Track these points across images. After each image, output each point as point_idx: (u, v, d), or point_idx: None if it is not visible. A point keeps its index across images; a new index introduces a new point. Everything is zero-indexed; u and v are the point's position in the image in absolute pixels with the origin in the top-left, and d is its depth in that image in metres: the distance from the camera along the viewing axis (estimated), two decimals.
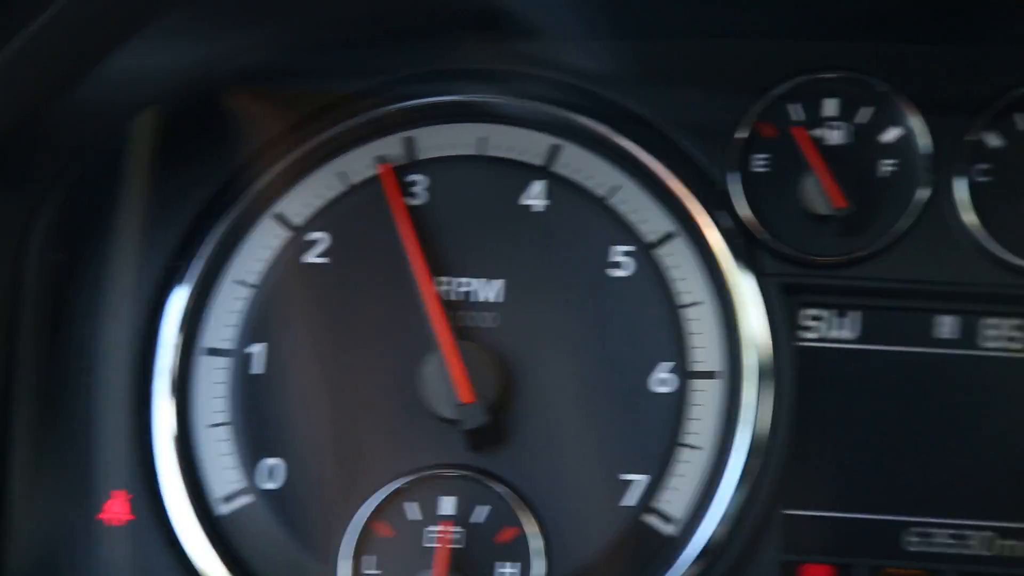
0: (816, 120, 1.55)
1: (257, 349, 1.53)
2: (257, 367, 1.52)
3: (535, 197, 1.54)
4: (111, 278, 1.54)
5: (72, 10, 1.26)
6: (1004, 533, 1.46)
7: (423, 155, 1.57)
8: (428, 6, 1.55)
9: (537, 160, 1.55)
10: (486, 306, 1.52)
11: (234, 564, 1.49)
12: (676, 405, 1.48)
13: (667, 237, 1.53)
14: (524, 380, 1.50)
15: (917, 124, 1.52)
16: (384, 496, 1.46)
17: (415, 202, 1.55)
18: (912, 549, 1.48)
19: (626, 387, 1.49)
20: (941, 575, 1.48)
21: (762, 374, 1.49)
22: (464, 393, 1.45)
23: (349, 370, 1.51)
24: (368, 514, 1.46)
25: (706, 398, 1.49)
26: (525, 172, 1.55)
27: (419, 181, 1.56)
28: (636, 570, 1.47)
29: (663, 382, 1.49)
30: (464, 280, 1.53)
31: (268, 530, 1.49)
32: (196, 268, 1.55)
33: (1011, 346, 1.51)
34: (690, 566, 1.47)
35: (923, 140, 1.52)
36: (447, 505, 1.47)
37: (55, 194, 1.53)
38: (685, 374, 1.49)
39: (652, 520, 1.47)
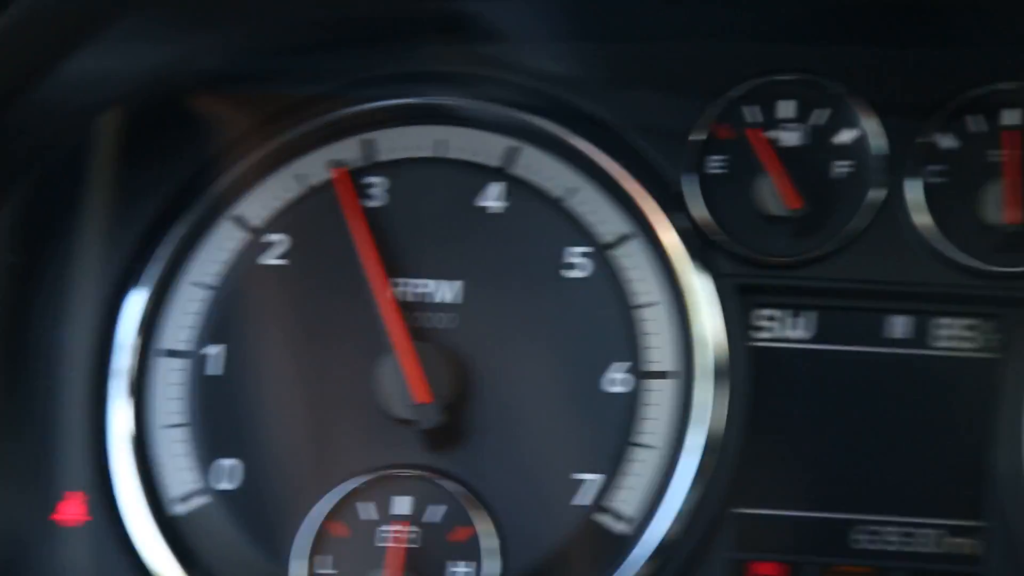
0: (772, 122, 1.56)
1: (215, 351, 1.54)
2: (215, 368, 1.54)
3: (493, 199, 1.56)
4: (70, 280, 1.55)
5: (27, 14, 1.26)
6: (953, 531, 1.48)
7: (382, 157, 1.56)
8: (390, 11, 1.55)
9: (495, 162, 1.55)
10: (444, 307, 1.54)
11: (190, 564, 1.50)
12: (630, 405, 1.50)
13: (624, 238, 1.54)
14: (481, 380, 1.52)
15: (872, 126, 1.53)
16: (340, 496, 1.46)
17: (374, 204, 1.57)
18: (861, 547, 1.49)
19: (580, 387, 1.50)
20: (890, 573, 1.47)
21: (717, 374, 1.50)
22: (419, 393, 1.46)
23: (307, 371, 1.52)
24: (324, 514, 1.46)
25: (660, 398, 1.50)
26: (483, 174, 1.57)
27: (378, 183, 1.57)
28: (589, 568, 1.48)
29: (617, 382, 1.50)
30: (423, 281, 1.54)
31: (225, 530, 1.50)
32: (155, 270, 1.56)
33: (962, 346, 1.52)
34: (643, 565, 1.48)
35: (878, 142, 1.53)
36: (402, 505, 1.48)
37: (14, 195, 1.53)
38: (639, 374, 1.51)
39: (605, 519, 1.48)
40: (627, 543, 1.49)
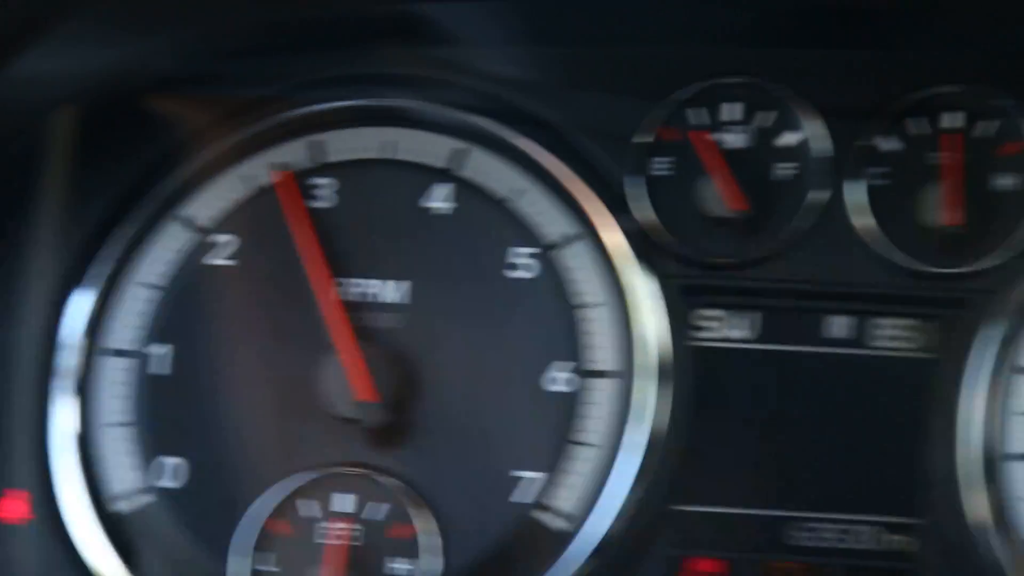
0: (717, 124, 1.57)
1: (161, 350, 1.56)
2: (161, 368, 1.56)
3: (441, 200, 1.57)
4: (17, 279, 1.57)
5: None
6: (889, 528, 1.50)
7: (331, 159, 1.58)
8: (342, 14, 1.57)
9: (441, 163, 1.57)
10: (391, 307, 1.56)
11: (132, 562, 1.52)
12: (572, 404, 1.51)
13: (569, 239, 1.56)
14: (425, 379, 1.54)
15: (816, 128, 1.55)
16: (282, 494, 1.48)
17: (322, 205, 1.58)
18: (798, 544, 1.51)
19: (523, 386, 1.52)
20: (826, 569, 1.49)
21: (659, 373, 1.52)
22: (362, 392, 1.47)
23: (253, 371, 1.54)
24: (266, 512, 1.46)
25: (602, 397, 1.52)
26: (431, 175, 1.59)
27: (326, 184, 1.59)
28: (530, 565, 1.50)
29: (559, 381, 1.52)
30: (369, 282, 1.56)
31: (168, 528, 1.52)
32: (102, 269, 1.58)
33: (901, 346, 1.53)
34: (583, 562, 1.50)
35: (822, 144, 1.55)
36: (345, 503, 1.50)
37: None
38: (582, 373, 1.52)
39: (546, 517, 1.50)
40: (567, 540, 1.51)
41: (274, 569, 1.49)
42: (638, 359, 1.51)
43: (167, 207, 1.59)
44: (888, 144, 1.55)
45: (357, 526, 1.50)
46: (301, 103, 1.61)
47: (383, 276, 1.56)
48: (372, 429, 1.51)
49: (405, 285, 1.56)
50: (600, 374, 1.52)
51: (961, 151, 1.53)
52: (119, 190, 1.59)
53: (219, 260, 1.57)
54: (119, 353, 1.56)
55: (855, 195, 1.53)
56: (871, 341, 1.52)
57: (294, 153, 1.59)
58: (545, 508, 1.50)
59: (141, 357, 1.56)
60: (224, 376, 1.54)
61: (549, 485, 1.50)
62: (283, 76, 1.61)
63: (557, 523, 1.49)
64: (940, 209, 1.52)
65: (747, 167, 1.55)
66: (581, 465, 1.51)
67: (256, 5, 1.54)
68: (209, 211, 1.59)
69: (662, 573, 1.52)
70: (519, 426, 1.52)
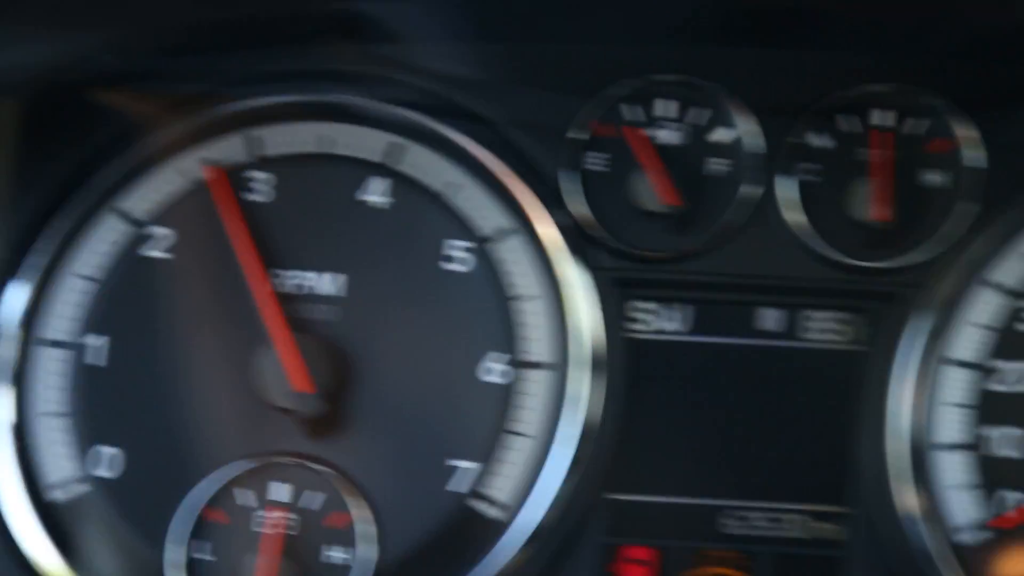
0: (652, 121, 1.59)
1: (98, 341, 1.57)
2: (97, 359, 1.56)
3: (377, 194, 1.59)
4: None
5: None
6: (818, 516, 1.52)
7: (269, 153, 1.59)
8: (282, 11, 1.58)
9: (378, 158, 1.58)
10: (327, 299, 1.57)
11: (69, 552, 1.52)
12: (506, 394, 1.53)
13: (505, 233, 1.57)
14: (362, 370, 1.55)
15: (750, 125, 1.57)
16: (219, 483, 1.48)
17: (259, 199, 1.59)
18: (730, 532, 1.53)
19: (458, 377, 1.54)
20: (757, 556, 1.51)
21: (593, 365, 1.54)
22: (297, 382, 1.48)
23: (190, 362, 1.54)
24: (202, 501, 1.47)
25: (537, 388, 1.54)
26: (367, 170, 1.60)
27: (264, 178, 1.59)
28: (464, 554, 1.52)
29: (494, 372, 1.54)
30: (307, 274, 1.57)
31: (104, 518, 1.53)
32: (39, 261, 1.58)
33: (831, 338, 1.56)
34: (518, 550, 1.51)
35: (754, 141, 1.57)
36: (281, 492, 1.50)
37: None
38: (517, 365, 1.53)
39: (480, 506, 1.51)
40: (502, 529, 1.52)
41: (210, 557, 1.49)
42: (572, 351, 1.53)
43: (104, 199, 1.60)
44: (820, 141, 1.57)
45: (293, 515, 1.50)
46: (239, 98, 1.60)
47: (320, 268, 1.57)
48: (308, 419, 1.52)
49: (342, 277, 1.57)
50: (535, 365, 1.53)
51: (891, 148, 1.56)
52: (56, 182, 1.60)
53: (156, 253, 1.58)
54: (55, 344, 1.57)
55: (787, 191, 1.55)
56: (802, 334, 1.55)
57: (232, 147, 1.60)
58: (480, 497, 1.51)
59: (77, 348, 1.57)
60: (160, 367, 1.55)
61: (484, 475, 1.52)
62: (222, 72, 1.61)
63: (492, 512, 1.51)
64: (870, 205, 1.55)
65: (681, 163, 1.57)
66: (516, 455, 1.53)
67: (196, 3, 1.54)
68: (146, 204, 1.59)
69: (596, 561, 1.53)
70: (455, 416, 1.53)
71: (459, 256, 1.56)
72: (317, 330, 1.55)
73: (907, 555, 1.49)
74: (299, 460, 1.50)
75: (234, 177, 1.59)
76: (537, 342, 1.54)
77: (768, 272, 1.56)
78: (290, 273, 1.57)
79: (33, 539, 1.53)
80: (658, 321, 1.56)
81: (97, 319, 1.56)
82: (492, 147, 1.59)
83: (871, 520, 1.51)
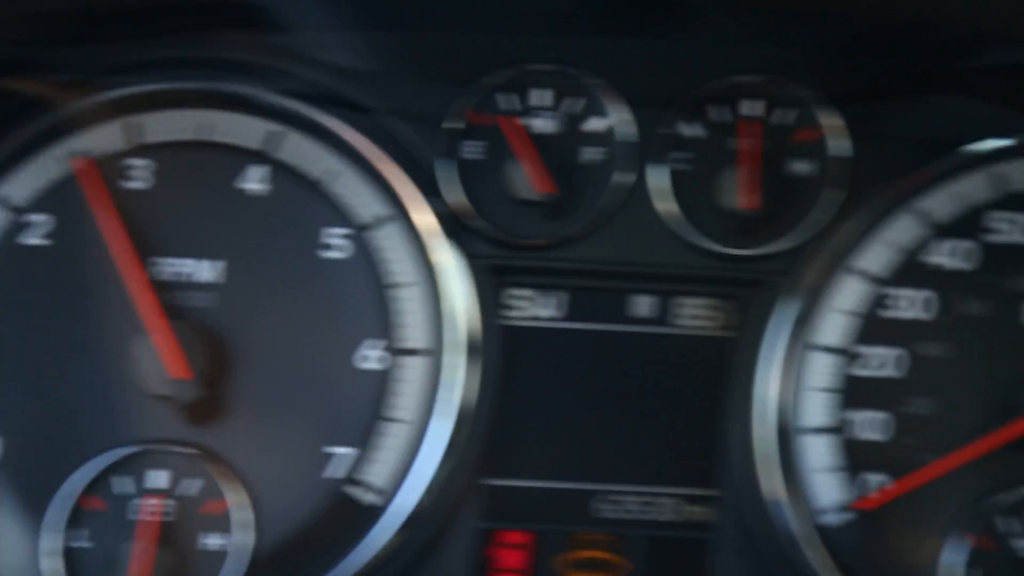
0: (527, 110, 1.61)
1: None
2: None
3: (256, 181, 1.60)
4: None
5: None
6: (689, 500, 1.56)
7: (149, 140, 1.59)
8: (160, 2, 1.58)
9: (257, 145, 1.59)
10: (207, 287, 1.58)
11: None
12: (382, 381, 1.54)
13: (382, 221, 1.59)
14: (240, 357, 1.56)
15: (623, 114, 1.60)
16: (96, 471, 1.49)
17: (138, 186, 1.59)
18: (603, 516, 1.56)
19: (334, 364, 1.56)
20: (630, 539, 1.54)
21: (469, 351, 1.56)
22: (174, 369, 1.48)
23: (68, 350, 1.55)
24: (80, 489, 1.47)
25: (413, 374, 1.56)
26: (246, 157, 1.61)
27: (143, 166, 1.60)
28: (340, 539, 1.54)
29: (370, 359, 1.55)
30: (185, 261, 1.57)
31: None
32: None
33: (701, 324, 1.59)
34: (393, 534, 1.53)
35: (628, 130, 1.60)
36: (158, 479, 1.51)
37: None
38: (394, 351, 1.54)
39: (357, 491, 1.54)
40: (378, 514, 1.54)
41: (87, 545, 1.49)
42: (448, 337, 1.55)
43: None
44: (691, 130, 1.60)
45: (170, 502, 1.50)
46: (118, 86, 1.60)
47: (198, 256, 1.58)
48: (187, 406, 1.53)
49: (220, 265, 1.58)
50: (411, 352, 1.56)
51: (760, 138, 1.59)
52: None
53: (34, 240, 1.58)
54: None
55: (658, 179, 1.58)
56: (673, 320, 1.58)
57: (110, 135, 1.60)
58: (356, 483, 1.53)
59: None
60: (39, 355, 1.55)
61: (361, 461, 1.54)
62: (103, 60, 1.61)
63: (368, 497, 1.53)
64: (739, 193, 1.58)
65: (556, 151, 1.59)
66: (392, 441, 1.55)
67: None
68: (24, 191, 1.59)
69: (471, 545, 1.56)
70: (331, 403, 1.55)
71: (337, 243, 1.58)
72: (196, 317, 1.55)
73: (772, 537, 1.53)
74: (178, 447, 1.50)
75: (111, 165, 1.59)
76: (413, 329, 1.56)
77: (640, 259, 1.59)
78: (169, 260, 1.58)
79: None
80: (533, 308, 1.58)
81: None
82: (371, 135, 1.61)
83: (739, 503, 1.54)
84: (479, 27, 1.61)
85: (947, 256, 1.56)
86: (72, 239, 1.58)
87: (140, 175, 1.59)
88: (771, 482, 1.52)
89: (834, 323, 1.55)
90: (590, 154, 1.60)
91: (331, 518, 1.52)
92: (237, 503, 1.50)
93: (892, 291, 1.55)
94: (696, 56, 1.61)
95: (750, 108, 1.60)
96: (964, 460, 1.49)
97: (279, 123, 1.61)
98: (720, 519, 1.56)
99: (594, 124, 1.60)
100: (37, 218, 1.58)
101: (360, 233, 1.57)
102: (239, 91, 1.61)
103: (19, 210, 1.57)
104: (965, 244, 1.56)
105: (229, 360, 1.55)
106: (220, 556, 1.49)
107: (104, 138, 1.60)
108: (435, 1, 1.60)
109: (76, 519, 1.49)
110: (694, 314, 1.57)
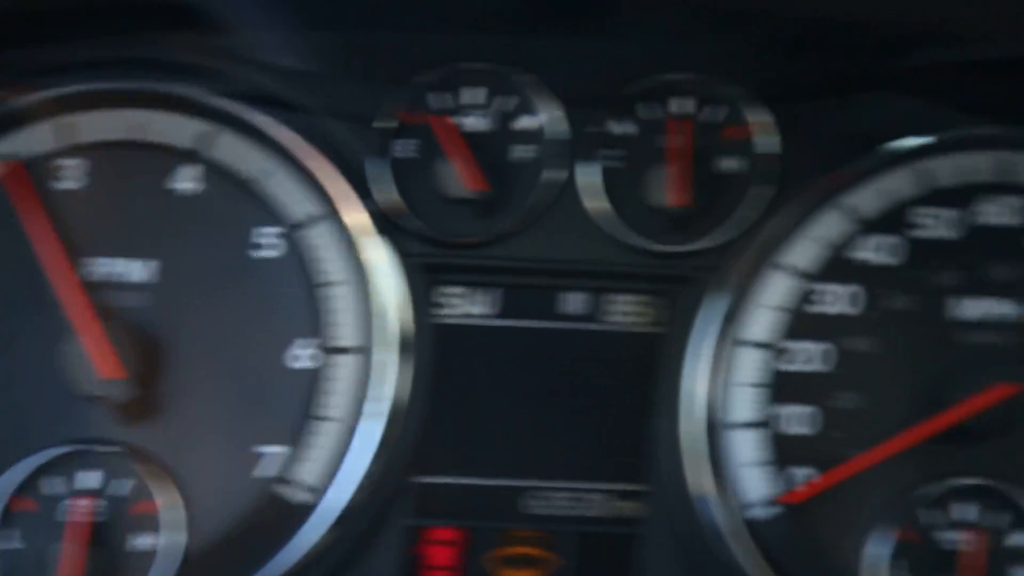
0: (459, 108, 1.62)
1: None
2: None
3: (188, 180, 1.60)
4: None
5: None
6: (620, 495, 1.57)
7: (81, 140, 1.60)
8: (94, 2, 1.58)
9: (189, 144, 1.60)
10: (139, 287, 1.58)
11: None
12: (313, 379, 1.55)
13: (314, 220, 1.60)
14: (173, 357, 1.57)
15: (554, 112, 1.61)
16: (26, 471, 1.49)
17: (69, 186, 1.59)
18: (533, 512, 1.58)
19: (265, 363, 1.57)
20: (559, 535, 1.55)
21: (401, 349, 1.57)
22: (106, 369, 1.49)
23: (1, 351, 1.53)
24: (10, 489, 1.48)
25: (345, 373, 1.57)
26: (178, 157, 1.61)
27: (74, 165, 1.60)
28: (271, 538, 1.54)
29: (303, 358, 1.56)
30: (117, 261, 1.57)
31: None
32: None
33: (631, 321, 1.60)
34: (324, 532, 1.54)
35: (559, 127, 1.61)
36: (89, 479, 1.51)
37: None
38: (326, 350, 1.55)
39: (287, 490, 1.54)
40: (309, 512, 1.55)
41: (18, 546, 1.49)
42: (379, 336, 1.56)
43: None
44: (621, 128, 1.62)
45: (101, 502, 1.50)
46: (51, 86, 1.60)
47: (130, 255, 1.59)
48: (119, 406, 1.53)
49: (153, 264, 1.59)
50: (343, 350, 1.57)
51: (689, 135, 1.60)
52: None
53: None
54: None
55: (589, 177, 1.59)
56: (604, 317, 1.59)
57: (41, 135, 1.60)
58: (287, 482, 1.54)
59: None
60: None
61: (292, 459, 1.55)
62: (36, 60, 1.61)
63: (299, 496, 1.54)
64: (668, 190, 1.59)
65: (487, 150, 1.61)
66: (323, 439, 1.56)
67: None
68: None
69: (401, 542, 1.57)
70: (263, 402, 1.56)
71: (269, 242, 1.58)
72: (128, 317, 1.55)
73: (700, 532, 1.55)
74: (109, 447, 1.50)
75: (41, 166, 1.58)
76: (345, 327, 1.57)
77: (571, 256, 1.60)
78: (101, 260, 1.58)
79: None
80: (465, 305, 1.59)
81: None
82: (303, 134, 1.61)
83: (667, 498, 1.56)
84: (411, 26, 1.62)
85: (873, 251, 1.57)
86: (2, 240, 1.56)
87: (72, 175, 1.59)
88: (699, 477, 1.53)
89: (762, 319, 1.57)
90: (521, 152, 1.60)
91: (262, 517, 1.52)
92: (168, 503, 1.51)
93: (819, 286, 1.57)
94: (626, 54, 1.62)
95: (680, 106, 1.61)
96: (890, 453, 1.51)
97: (212, 122, 1.61)
98: (649, 514, 1.57)
99: (525, 122, 1.60)
100: None
101: (292, 232, 1.57)
102: (172, 91, 1.61)
103: None
104: (891, 239, 1.57)
105: (162, 360, 1.55)
106: (151, 556, 1.50)
107: (35, 139, 1.59)
108: (367, 1, 1.57)
109: (7, 520, 1.50)
110: (624, 311, 1.58)
